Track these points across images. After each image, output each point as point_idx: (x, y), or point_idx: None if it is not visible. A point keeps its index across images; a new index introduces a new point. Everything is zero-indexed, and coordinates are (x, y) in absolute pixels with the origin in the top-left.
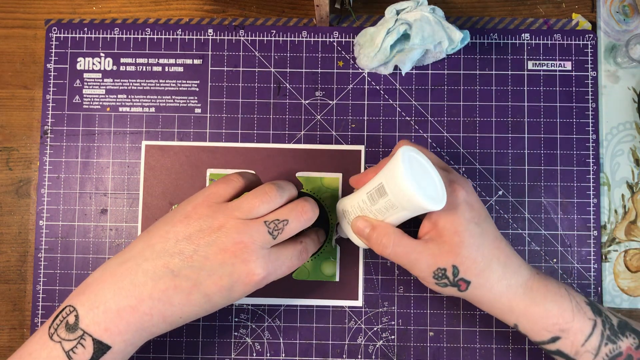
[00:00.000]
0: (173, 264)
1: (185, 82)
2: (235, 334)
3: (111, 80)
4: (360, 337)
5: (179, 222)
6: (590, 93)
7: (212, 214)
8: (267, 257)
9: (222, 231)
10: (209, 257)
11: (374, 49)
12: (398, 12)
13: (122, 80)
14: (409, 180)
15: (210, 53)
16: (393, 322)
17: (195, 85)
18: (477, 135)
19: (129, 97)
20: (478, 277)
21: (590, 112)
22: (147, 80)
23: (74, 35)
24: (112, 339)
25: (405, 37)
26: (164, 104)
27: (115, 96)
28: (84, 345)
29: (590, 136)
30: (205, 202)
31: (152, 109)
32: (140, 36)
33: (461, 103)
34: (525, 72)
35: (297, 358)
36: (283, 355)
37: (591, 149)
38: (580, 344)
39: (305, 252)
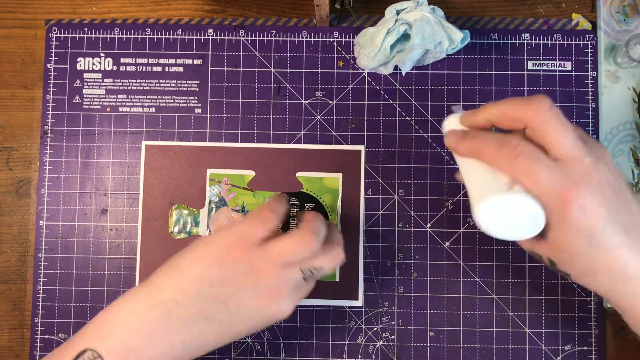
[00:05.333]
0: (209, 310)
1: (185, 82)
2: None
3: (111, 80)
4: (360, 337)
5: (213, 265)
6: (590, 93)
7: (249, 258)
8: (295, 294)
9: (259, 277)
10: (245, 303)
11: (374, 49)
12: (398, 12)
13: (122, 80)
14: (490, 232)
15: (210, 53)
16: (393, 322)
17: (195, 85)
18: None
19: (129, 97)
20: (577, 277)
21: (590, 112)
22: (147, 80)
23: (74, 35)
24: None
25: (405, 37)
26: (164, 104)
27: (115, 96)
28: None
29: (590, 136)
30: (241, 244)
31: (152, 109)
32: (140, 36)
33: (461, 103)
34: (525, 72)
35: (297, 358)
36: (283, 355)
37: None
38: None
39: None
